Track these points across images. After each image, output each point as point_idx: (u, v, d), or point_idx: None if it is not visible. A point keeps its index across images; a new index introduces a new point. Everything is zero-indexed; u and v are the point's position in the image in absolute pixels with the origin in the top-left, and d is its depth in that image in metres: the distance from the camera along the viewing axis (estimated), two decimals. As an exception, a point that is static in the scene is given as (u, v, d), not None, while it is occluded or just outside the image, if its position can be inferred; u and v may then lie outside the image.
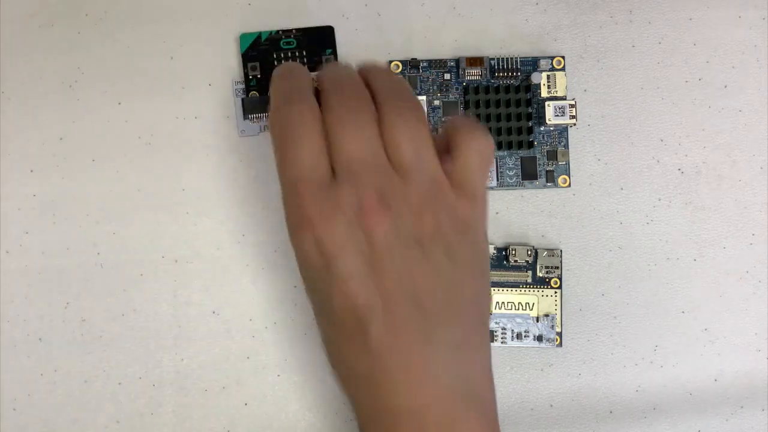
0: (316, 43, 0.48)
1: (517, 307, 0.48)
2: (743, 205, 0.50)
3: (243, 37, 0.48)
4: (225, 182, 0.48)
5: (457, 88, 0.49)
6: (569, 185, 0.49)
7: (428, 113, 0.48)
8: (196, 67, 0.49)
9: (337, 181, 0.35)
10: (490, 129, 0.48)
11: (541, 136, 0.49)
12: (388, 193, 0.35)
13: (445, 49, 0.50)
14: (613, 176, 0.50)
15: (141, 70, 0.48)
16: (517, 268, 0.48)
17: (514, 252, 0.48)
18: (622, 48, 0.50)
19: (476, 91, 0.48)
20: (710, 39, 0.50)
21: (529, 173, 0.49)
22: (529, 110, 0.49)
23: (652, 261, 0.49)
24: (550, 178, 0.49)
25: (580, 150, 0.50)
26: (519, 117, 0.48)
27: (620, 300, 0.49)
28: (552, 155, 0.49)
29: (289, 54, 0.48)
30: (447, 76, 0.49)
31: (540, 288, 0.48)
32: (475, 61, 0.49)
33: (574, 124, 0.48)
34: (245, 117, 0.48)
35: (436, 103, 0.49)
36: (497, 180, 0.48)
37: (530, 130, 0.49)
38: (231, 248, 0.48)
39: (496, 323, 0.48)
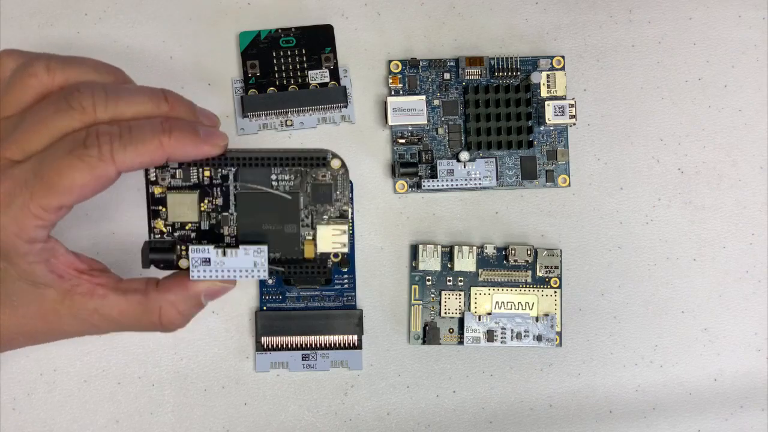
0: (316, 42, 0.48)
1: (516, 307, 0.48)
2: (743, 204, 0.50)
3: (242, 35, 0.48)
4: (225, 182, 0.48)
5: (456, 88, 0.49)
6: (569, 185, 0.49)
7: (428, 113, 0.48)
8: (195, 67, 0.49)
9: None
10: (489, 129, 0.48)
11: (540, 135, 0.49)
12: None
13: (444, 49, 0.50)
14: (613, 176, 0.50)
15: (141, 70, 0.48)
16: (517, 267, 0.48)
17: (513, 252, 0.48)
18: (622, 48, 0.50)
19: (476, 90, 0.48)
20: (710, 39, 0.50)
21: (529, 173, 0.49)
22: (529, 110, 0.49)
23: (652, 261, 0.49)
24: (550, 177, 0.49)
25: (580, 150, 0.50)
26: (519, 117, 0.48)
27: (620, 300, 0.49)
28: (552, 155, 0.49)
29: (288, 52, 0.48)
30: (447, 76, 0.49)
31: (540, 288, 0.48)
32: (474, 61, 0.49)
33: (574, 124, 0.48)
34: (244, 115, 0.48)
35: (436, 102, 0.49)
36: (497, 180, 0.48)
37: (530, 130, 0.49)
38: (230, 248, 0.48)
39: (495, 323, 0.47)
